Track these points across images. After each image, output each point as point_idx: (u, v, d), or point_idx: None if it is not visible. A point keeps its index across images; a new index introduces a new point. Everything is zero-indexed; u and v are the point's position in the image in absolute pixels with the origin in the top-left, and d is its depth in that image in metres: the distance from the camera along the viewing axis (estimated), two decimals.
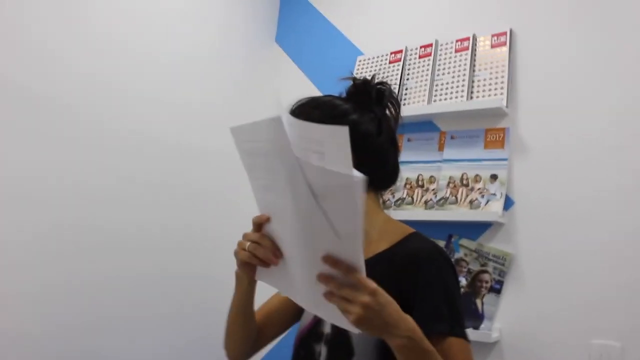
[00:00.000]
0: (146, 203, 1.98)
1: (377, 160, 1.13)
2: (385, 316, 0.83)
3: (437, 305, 1.00)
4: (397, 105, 1.18)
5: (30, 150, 1.61)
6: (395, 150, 1.18)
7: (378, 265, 1.02)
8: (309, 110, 1.12)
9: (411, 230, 1.14)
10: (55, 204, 1.67)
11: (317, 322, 1.16)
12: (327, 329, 1.13)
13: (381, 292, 0.82)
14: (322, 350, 1.11)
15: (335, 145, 0.71)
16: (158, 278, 2.01)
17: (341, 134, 0.69)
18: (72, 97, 1.74)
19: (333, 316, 0.85)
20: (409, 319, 0.87)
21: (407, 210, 1.96)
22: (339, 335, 1.09)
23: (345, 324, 0.84)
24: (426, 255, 1.06)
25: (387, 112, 1.18)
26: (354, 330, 0.84)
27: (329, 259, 0.81)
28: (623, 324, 1.56)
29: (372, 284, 0.81)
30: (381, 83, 1.18)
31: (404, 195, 2.00)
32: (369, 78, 1.17)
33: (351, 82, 1.17)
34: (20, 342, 1.56)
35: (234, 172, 2.32)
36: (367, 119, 1.11)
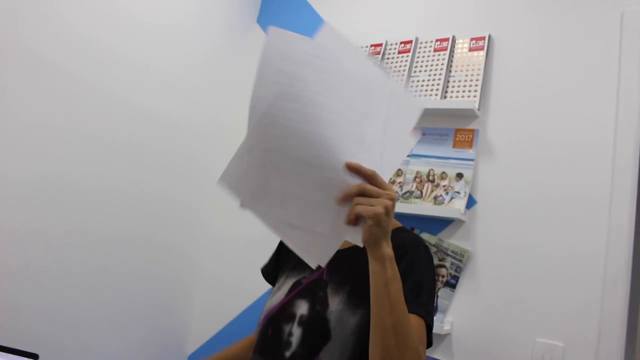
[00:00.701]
0: (115, 163, 1.95)
1: None
2: (388, 224, 0.87)
3: (406, 284, 1.02)
4: None
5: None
6: None
7: (361, 255, 1.02)
8: None
9: (397, 223, 1.21)
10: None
11: (289, 301, 1.15)
12: (301, 310, 1.12)
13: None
14: (295, 330, 1.10)
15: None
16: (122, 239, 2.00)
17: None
18: (60, 54, 1.70)
19: (314, 243, 0.89)
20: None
21: None
22: (316, 317, 1.09)
23: (322, 250, 0.88)
24: (410, 244, 1.13)
25: None
26: (357, 241, 0.87)
27: (352, 165, 0.84)
28: (567, 325, 1.64)
29: (394, 191, 0.87)
30: None
31: None
32: None
33: None
34: None
35: (201, 142, 2.34)
36: None
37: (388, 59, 2.18)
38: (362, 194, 0.84)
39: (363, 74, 0.92)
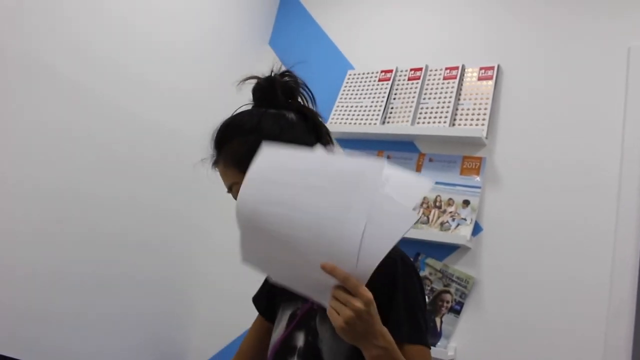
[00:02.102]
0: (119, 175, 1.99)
1: None
2: (370, 326, 0.87)
3: (398, 313, 1.03)
4: (308, 92, 1.18)
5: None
6: (318, 136, 1.15)
7: None
8: (223, 136, 1.13)
9: None
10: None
11: (289, 335, 1.15)
12: (299, 342, 1.13)
13: (374, 304, 0.86)
14: None
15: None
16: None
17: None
18: (75, 71, 1.74)
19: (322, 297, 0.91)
20: (387, 331, 0.91)
21: None
22: (310, 348, 1.10)
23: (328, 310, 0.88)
24: (393, 261, 1.06)
25: (302, 101, 1.17)
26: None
27: (328, 267, 0.85)
28: (573, 353, 1.65)
29: (369, 294, 0.85)
30: (286, 74, 1.16)
31: None
32: (271, 74, 1.15)
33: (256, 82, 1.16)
34: None
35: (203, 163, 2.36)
36: (269, 121, 1.09)
37: (398, 85, 2.22)
38: (334, 296, 0.87)
39: (350, 169, 0.90)
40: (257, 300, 1.38)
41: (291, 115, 1.12)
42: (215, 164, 1.15)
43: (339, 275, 0.85)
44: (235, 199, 1.09)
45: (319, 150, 0.97)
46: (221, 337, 2.36)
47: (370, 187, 0.87)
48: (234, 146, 1.10)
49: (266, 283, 1.37)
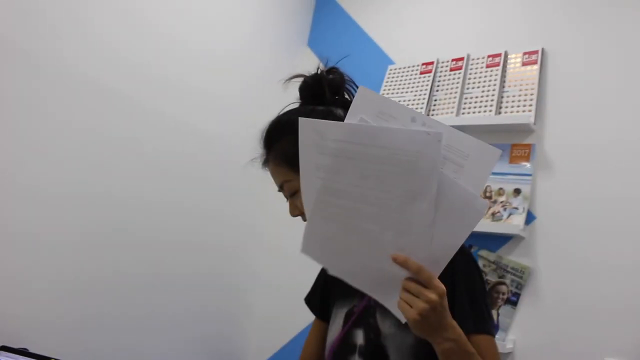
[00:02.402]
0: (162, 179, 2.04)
1: None
2: (443, 318, 0.86)
3: (462, 304, 1.02)
4: (355, 87, 1.19)
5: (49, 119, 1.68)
6: None
7: None
8: (273, 135, 1.15)
9: None
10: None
11: (347, 333, 1.15)
12: (359, 340, 1.12)
13: (446, 296, 0.85)
14: None
15: (480, 163, 0.80)
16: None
17: (491, 155, 0.79)
18: (114, 79, 1.80)
19: (387, 298, 0.91)
20: (456, 324, 0.90)
21: None
22: (372, 345, 1.09)
23: (394, 310, 0.88)
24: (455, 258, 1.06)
25: (348, 97, 1.18)
26: (401, 319, 0.87)
27: (400, 258, 0.85)
28: (635, 343, 1.58)
29: (442, 286, 0.84)
30: (332, 71, 1.18)
31: None
32: (317, 71, 1.17)
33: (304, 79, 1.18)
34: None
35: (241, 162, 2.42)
36: (318, 117, 1.03)
37: (440, 77, 2.19)
38: (406, 289, 0.85)
39: (403, 147, 0.81)
40: (310, 301, 1.39)
41: (339, 111, 1.12)
42: (265, 163, 1.17)
43: (412, 267, 0.84)
44: (287, 197, 1.12)
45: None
46: (280, 336, 2.38)
47: (430, 169, 0.80)
48: (284, 145, 1.10)
49: (318, 283, 1.38)
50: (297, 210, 1.11)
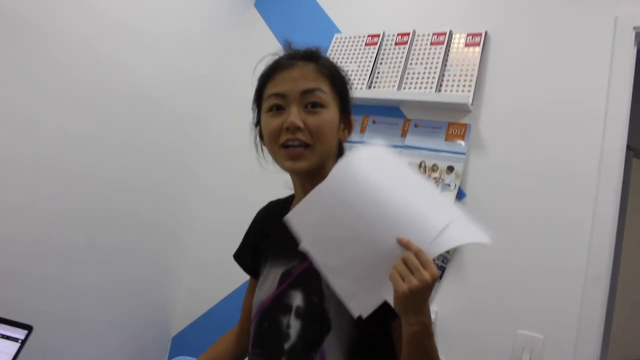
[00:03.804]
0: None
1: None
2: (424, 301, 0.88)
3: None
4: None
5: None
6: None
7: None
8: (319, 54, 1.15)
9: None
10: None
11: (282, 292, 1.12)
12: (296, 302, 1.09)
13: (435, 282, 0.87)
14: (294, 323, 1.08)
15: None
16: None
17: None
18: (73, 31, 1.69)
19: (357, 293, 0.94)
20: (429, 309, 0.92)
21: None
22: (314, 308, 1.07)
23: (363, 302, 0.93)
24: None
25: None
26: (383, 298, 0.91)
27: (404, 240, 0.88)
28: (547, 317, 1.69)
29: (437, 271, 0.87)
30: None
31: None
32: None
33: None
34: None
35: (194, 130, 2.36)
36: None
37: (385, 50, 2.20)
38: (404, 261, 0.87)
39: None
40: (240, 257, 1.35)
41: None
42: (292, 65, 1.10)
43: (413, 247, 0.87)
44: (296, 106, 1.07)
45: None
46: (201, 305, 2.41)
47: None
48: (331, 64, 1.16)
49: (247, 241, 1.35)
50: (301, 121, 1.05)
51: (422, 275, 0.84)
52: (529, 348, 1.69)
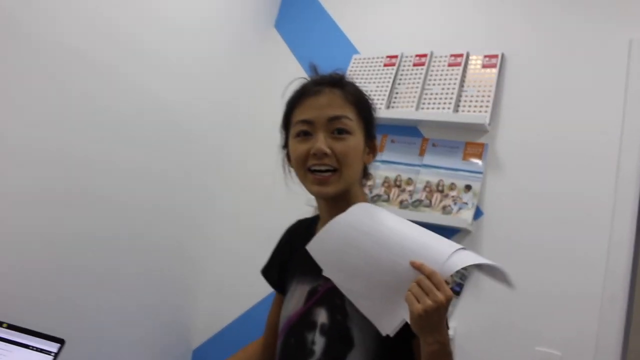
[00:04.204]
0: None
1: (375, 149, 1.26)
2: (441, 321, 0.92)
3: None
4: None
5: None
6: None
7: None
8: (345, 80, 1.22)
9: None
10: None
11: (308, 310, 1.16)
12: (321, 319, 1.13)
13: (450, 302, 0.93)
14: (318, 339, 1.12)
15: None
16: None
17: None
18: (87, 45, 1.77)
19: (382, 313, 0.99)
20: (447, 329, 0.97)
21: (382, 207, 2.06)
22: (338, 326, 1.11)
23: (389, 321, 0.97)
24: None
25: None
26: (383, 331, 0.97)
27: (417, 262, 0.94)
28: (565, 334, 1.72)
29: (451, 292, 0.92)
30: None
31: (381, 193, 2.11)
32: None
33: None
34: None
35: (209, 147, 2.42)
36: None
37: (403, 70, 2.25)
38: (418, 284, 0.92)
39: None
40: (267, 272, 1.40)
41: None
42: (319, 93, 1.17)
43: (426, 270, 0.92)
44: (322, 133, 1.14)
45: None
46: (220, 321, 2.44)
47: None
48: (356, 90, 1.22)
49: (275, 256, 1.40)
50: (327, 148, 1.12)
51: (435, 296, 0.89)
52: None
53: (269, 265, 1.40)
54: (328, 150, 1.11)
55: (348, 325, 1.10)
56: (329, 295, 1.15)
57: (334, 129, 1.13)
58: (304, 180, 1.17)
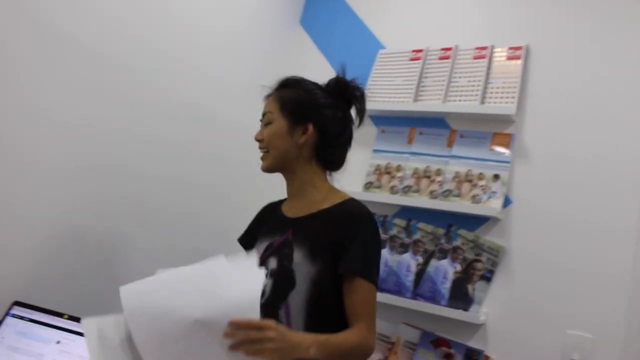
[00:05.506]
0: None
1: (333, 153, 1.49)
2: (289, 339, 1.08)
3: (356, 253, 1.29)
4: (362, 111, 1.53)
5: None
6: (348, 148, 1.53)
7: (318, 219, 1.39)
8: (288, 83, 1.53)
9: (349, 196, 1.46)
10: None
11: (264, 261, 1.40)
12: (272, 265, 1.39)
13: (278, 325, 1.07)
14: (268, 282, 1.36)
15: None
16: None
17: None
18: (131, 59, 1.86)
19: None
20: (303, 334, 1.19)
21: (412, 198, 2.13)
22: (284, 270, 1.36)
23: None
24: (359, 215, 1.38)
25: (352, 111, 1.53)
26: None
27: (233, 323, 1.03)
28: (596, 317, 1.77)
29: (270, 321, 1.06)
30: (357, 89, 1.52)
31: (411, 184, 2.16)
32: (350, 80, 1.52)
33: (334, 77, 1.54)
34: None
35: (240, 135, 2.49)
36: (336, 119, 1.48)
37: (429, 64, 2.30)
38: (247, 341, 1.04)
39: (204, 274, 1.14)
40: (242, 240, 1.64)
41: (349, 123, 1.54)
42: (268, 96, 1.53)
43: (243, 322, 1.03)
44: (262, 124, 1.50)
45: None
46: None
47: (223, 282, 1.10)
48: (290, 94, 1.48)
49: (249, 228, 1.65)
50: (260, 135, 1.48)
51: (267, 335, 1.03)
52: (579, 348, 1.76)
53: (244, 235, 1.65)
54: (260, 137, 1.48)
55: (292, 268, 1.33)
56: (280, 247, 1.40)
57: (265, 121, 1.49)
58: None
